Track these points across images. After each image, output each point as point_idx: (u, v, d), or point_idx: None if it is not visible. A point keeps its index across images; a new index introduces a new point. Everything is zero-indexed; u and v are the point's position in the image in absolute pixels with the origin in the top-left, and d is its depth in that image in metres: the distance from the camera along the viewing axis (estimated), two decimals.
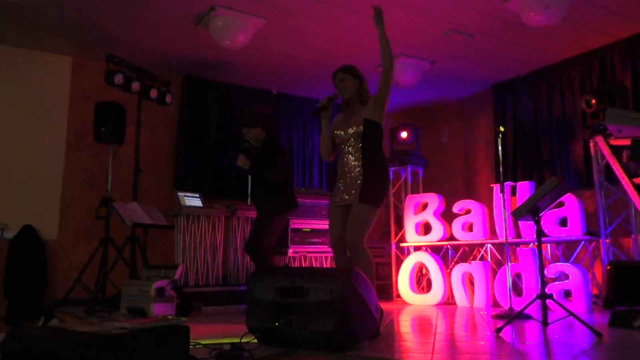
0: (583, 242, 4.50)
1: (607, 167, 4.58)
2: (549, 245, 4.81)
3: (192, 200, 5.02)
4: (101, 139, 5.10)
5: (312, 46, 5.41)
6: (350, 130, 3.17)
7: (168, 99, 5.24)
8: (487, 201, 5.38)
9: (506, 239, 4.09)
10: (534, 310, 4.16)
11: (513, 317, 3.09)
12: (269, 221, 4.09)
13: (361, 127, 3.14)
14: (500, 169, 4.19)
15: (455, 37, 5.18)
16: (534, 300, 3.13)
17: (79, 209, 5.42)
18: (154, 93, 5.11)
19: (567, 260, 4.63)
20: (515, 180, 5.71)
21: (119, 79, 4.71)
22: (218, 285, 4.85)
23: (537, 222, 3.11)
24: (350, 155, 3.18)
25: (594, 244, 4.67)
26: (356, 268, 2.59)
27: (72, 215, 5.40)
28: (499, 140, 4.22)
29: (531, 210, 3.06)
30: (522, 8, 4.42)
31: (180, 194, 4.98)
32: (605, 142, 4.35)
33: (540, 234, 3.13)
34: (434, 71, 6.02)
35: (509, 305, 3.97)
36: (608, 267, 3.81)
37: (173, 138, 6.08)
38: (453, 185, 6.90)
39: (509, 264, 4.06)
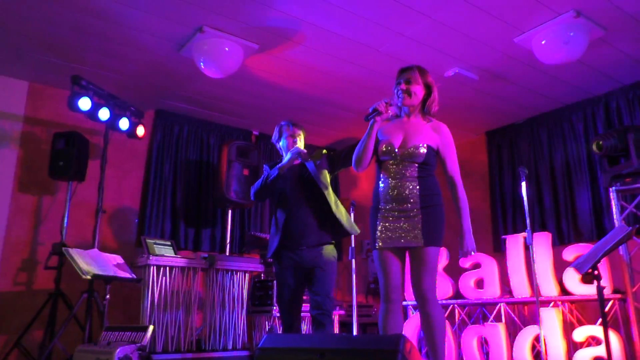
0: (612, 301, 4.01)
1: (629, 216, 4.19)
2: (566, 304, 4.32)
3: (163, 249, 4.29)
4: (58, 174, 4.38)
5: (302, 80, 4.92)
6: (410, 147, 2.63)
7: (140, 131, 4.57)
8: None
9: (537, 297, 3.56)
10: None
11: None
12: None
13: (425, 148, 2.64)
14: (527, 219, 3.71)
15: (458, 78, 4.85)
16: None
17: (23, 256, 4.55)
18: (124, 123, 4.43)
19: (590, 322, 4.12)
20: (514, 231, 5.34)
21: (85, 103, 4.01)
22: (192, 351, 4.06)
23: (598, 277, 2.59)
24: (403, 180, 2.62)
25: (618, 303, 4.19)
26: (404, 336, 1.97)
27: (14, 264, 4.50)
28: (523, 184, 3.77)
29: (594, 263, 2.56)
30: (537, 44, 4.11)
31: (150, 240, 4.26)
32: None
33: (600, 291, 2.61)
34: None
35: None
36: None
37: (140, 177, 5.37)
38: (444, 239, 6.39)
39: (541, 326, 3.50)
